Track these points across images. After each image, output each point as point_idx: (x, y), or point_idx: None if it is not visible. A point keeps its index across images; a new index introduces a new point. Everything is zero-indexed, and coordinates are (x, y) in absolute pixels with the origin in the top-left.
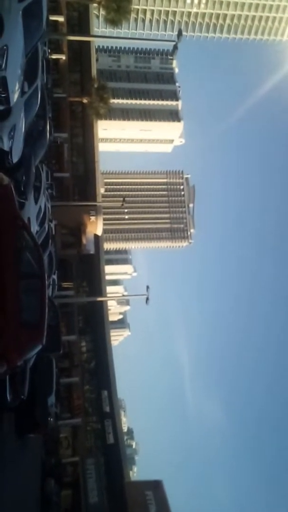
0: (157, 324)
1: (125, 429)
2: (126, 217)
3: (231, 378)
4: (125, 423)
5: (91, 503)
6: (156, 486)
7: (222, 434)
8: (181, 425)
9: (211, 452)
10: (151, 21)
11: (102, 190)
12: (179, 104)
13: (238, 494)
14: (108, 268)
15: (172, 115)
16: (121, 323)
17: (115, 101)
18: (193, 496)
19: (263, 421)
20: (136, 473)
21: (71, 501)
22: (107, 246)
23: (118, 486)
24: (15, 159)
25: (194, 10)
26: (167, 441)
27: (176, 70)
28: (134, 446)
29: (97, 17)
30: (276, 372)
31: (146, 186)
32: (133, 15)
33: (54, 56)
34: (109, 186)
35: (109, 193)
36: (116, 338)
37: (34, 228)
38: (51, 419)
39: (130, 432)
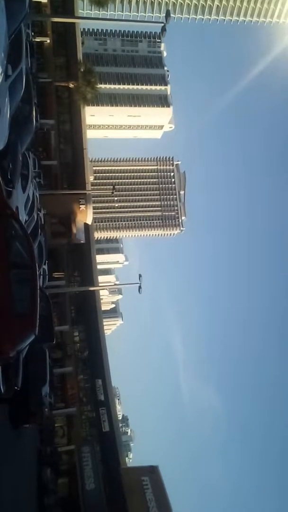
0: (149, 312)
1: (120, 416)
2: (116, 205)
3: (224, 361)
4: (120, 411)
5: (88, 490)
6: (152, 471)
7: (216, 416)
8: (175, 410)
9: (206, 435)
10: (137, 2)
11: (91, 178)
12: (168, 88)
13: (232, 476)
14: (99, 258)
15: (161, 100)
16: (114, 312)
17: (103, 86)
18: (189, 479)
19: (257, 402)
20: (132, 460)
21: (68, 488)
22: (98, 235)
23: (115, 473)
24: (0, 146)
25: None
26: (162, 427)
27: (165, 54)
28: (129, 433)
29: None
30: (270, 355)
31: (136, 174)
32: None
33: (38, 39)
34: (98, 174)
35: (98, 181)
36: (109, 327)
37: (23, 217)
38: (46, 409)
39: (125, 419)
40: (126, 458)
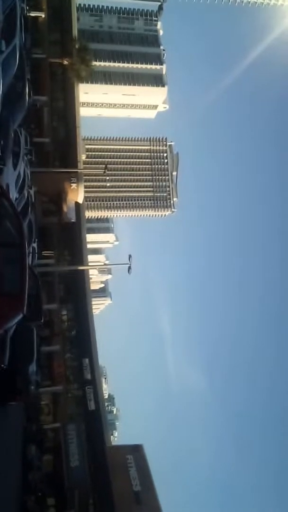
0: (139, 293)
1: (106, 395)
2: (108, 184)
3: (213, 342)
4: (106, 390)
5: (72, 467)
6: (136, 450)
7: (202, 396)
8: (162, 390)
9: (192, 415)
10: None
11: (83, 157)
12: (164, 68)
13: (217, 456)
14: (89, 237)
15: (156, 80)
16: (103, 292)
17: (97, 63)
18: (174, 458)
19: (245, 383)
20: (117, 438)
21: (53, 465)
22: (89, 214)
23: (100, 451)
24: None
25: None
26: (149, 407)
27: (161, 32)
28: (115, 412)
29: None
30: (258, 337)
31: (128, 153)
32: None
33: (32, 14)
34: (90, 153)
35: (90, 159)
36: (98, 306)
37: (13, 195)
38: (32, 387)
39: (111, 398)
40: (111, 436)
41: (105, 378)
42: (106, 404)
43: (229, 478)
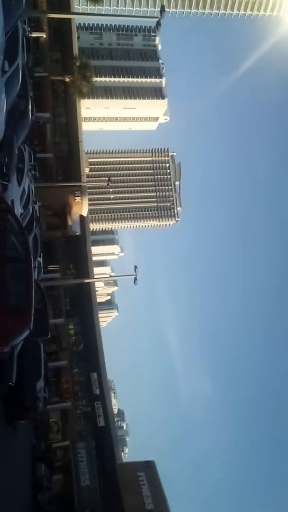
0: (145, 303)
1: (115, 411)
2: (112, 196)
3: (221, 352)
4: (115, 404)
5: (83, 487)
6: (148, 466)
7: (213, 411)
8: (172, 403)
9: (203, 429)
10: None
11: (86, 170)
12: (163, 81)
13: (230, 469)
14: (94, 249)
15: (156, 93)
16: (109, 304)
17: (98, 79)
18: (187, 474)
19: (256, 398)
20: (127, 455)
21: (62, 485)
22: (93, 226)
23: (110, 468)
24: None
25: None
26: (158, 421)
27: (159, 47)
28: (125, 428)
29: None
30: (265, 346)
31: (131, 165)
32: None
33: (34, 35)
34: (93, 166)
35: (93, 173)
36: (104, 319)
37: (18, 210)
38: (40, 404)
39: (120, 413)
40: (122, 453)
41: (114, 393)
42: (115, 419)
43: (243, 492)
